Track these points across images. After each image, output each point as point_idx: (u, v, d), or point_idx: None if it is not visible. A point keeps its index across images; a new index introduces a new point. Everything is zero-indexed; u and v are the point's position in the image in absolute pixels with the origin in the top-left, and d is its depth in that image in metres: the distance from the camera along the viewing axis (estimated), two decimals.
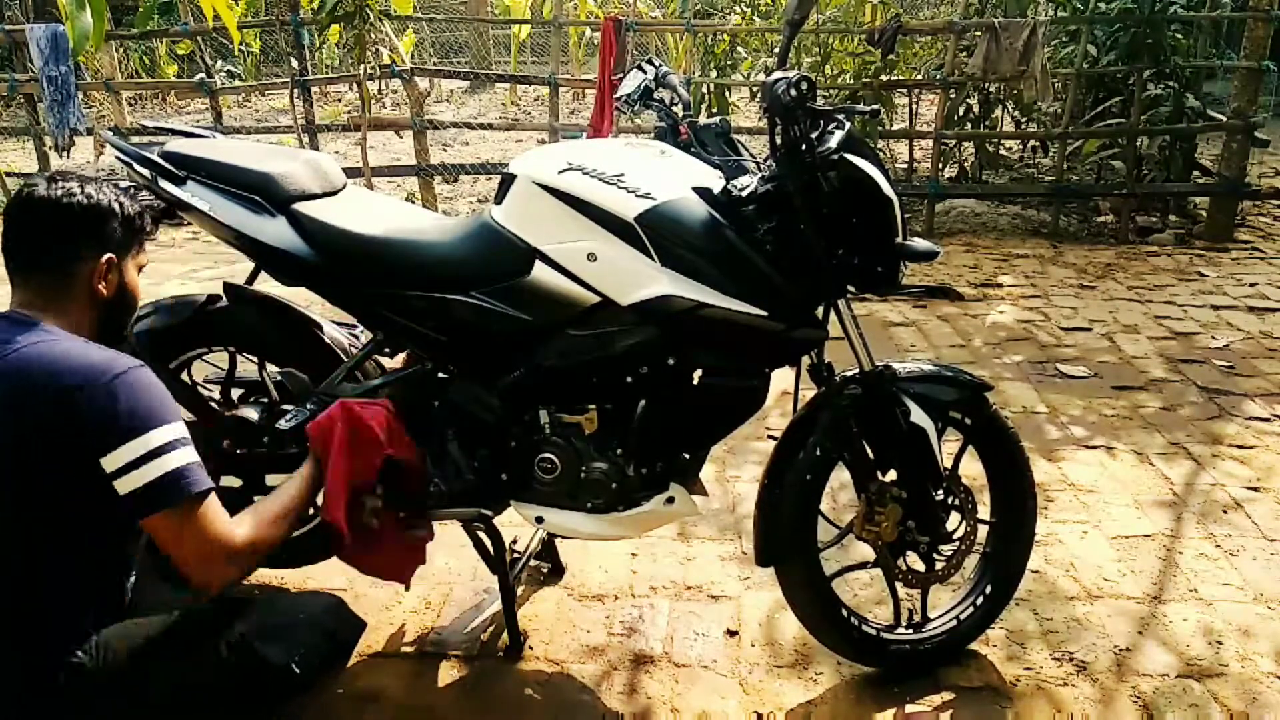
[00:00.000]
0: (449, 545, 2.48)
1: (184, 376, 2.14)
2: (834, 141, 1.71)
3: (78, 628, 1.42)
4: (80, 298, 1.49)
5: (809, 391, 1.93)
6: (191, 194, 1.90)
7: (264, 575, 2.37)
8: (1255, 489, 2.86)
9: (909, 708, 1.97)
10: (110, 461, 1.32)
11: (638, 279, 1.70)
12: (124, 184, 1.61)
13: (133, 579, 1.55)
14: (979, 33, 5.95)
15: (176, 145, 1.99)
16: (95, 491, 1.35)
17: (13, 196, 1.51)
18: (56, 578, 1.41)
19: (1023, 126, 7.26)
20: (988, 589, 2.09)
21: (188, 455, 1.39)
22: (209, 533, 1.41)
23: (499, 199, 1.83)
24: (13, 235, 1.48)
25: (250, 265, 2.00)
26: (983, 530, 2.08)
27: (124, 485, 1.33)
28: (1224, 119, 5.84)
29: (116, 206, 1.53)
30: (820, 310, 1.84)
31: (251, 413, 2.04)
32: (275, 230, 1.88)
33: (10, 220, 1.48)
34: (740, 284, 1.70)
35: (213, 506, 1.42)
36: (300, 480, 1.68)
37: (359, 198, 2.07)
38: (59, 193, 1.48)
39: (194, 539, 1.40)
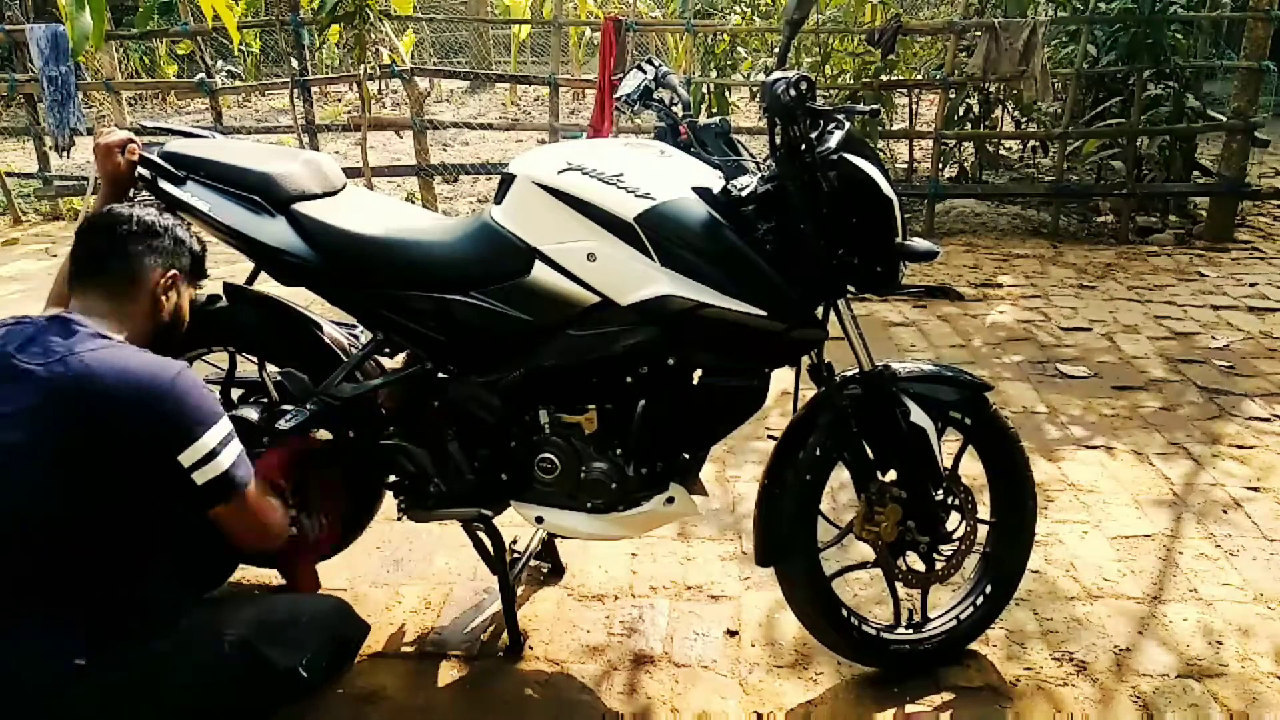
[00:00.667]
0: (449, 545, 2.49)
1: None
2: (834, 141, 1.71)
3: (86, 634, 1.43)
4: (143, 307, 1.59)
5: (809, 391, 1.93)
6: (191, 194, 1.90)
7: (264, 575, 2.37)
8: (1255, 489, 2.86)
9: (909, 708, 1.97)
10: (186, 457, 1.44)
11: (637, 279, 1.70)
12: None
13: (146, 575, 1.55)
14: (979, 33, 5.95)
15: (176, 145, 1.99)
16: (156, 488, 1.46)
17: (92, 214, 1.64)
18: (74, 579, 1.42)
19: (1023, 126, 7.26)
20: (988, 589, 2.09)
21: (238, 447, 1.52)
22: (261, 515, 1.58)
23: (499, 199, 1.83)
24: (90, 240, 1.59)
25: (250, 265, 2.00)
26: (983, 530, 2.08)
27: (200, 477, 1.46)
28: (1224, 119, 5.84)
29: (187, 238, 1.68)
30: (820, 310, 1.84)
31: (251, 413, 2.04)
32: (275, 231, 1.88)
33: (90, 228, 1.60)
34: (740, 284, 1.70)
35: (259, 490, 1.57)
36: None
37: (359, 198, 2.07)
38: (139, 210, 1.63)
39: (250, 521, 1.56)
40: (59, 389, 1.39)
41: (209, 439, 1.46)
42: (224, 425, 1.50)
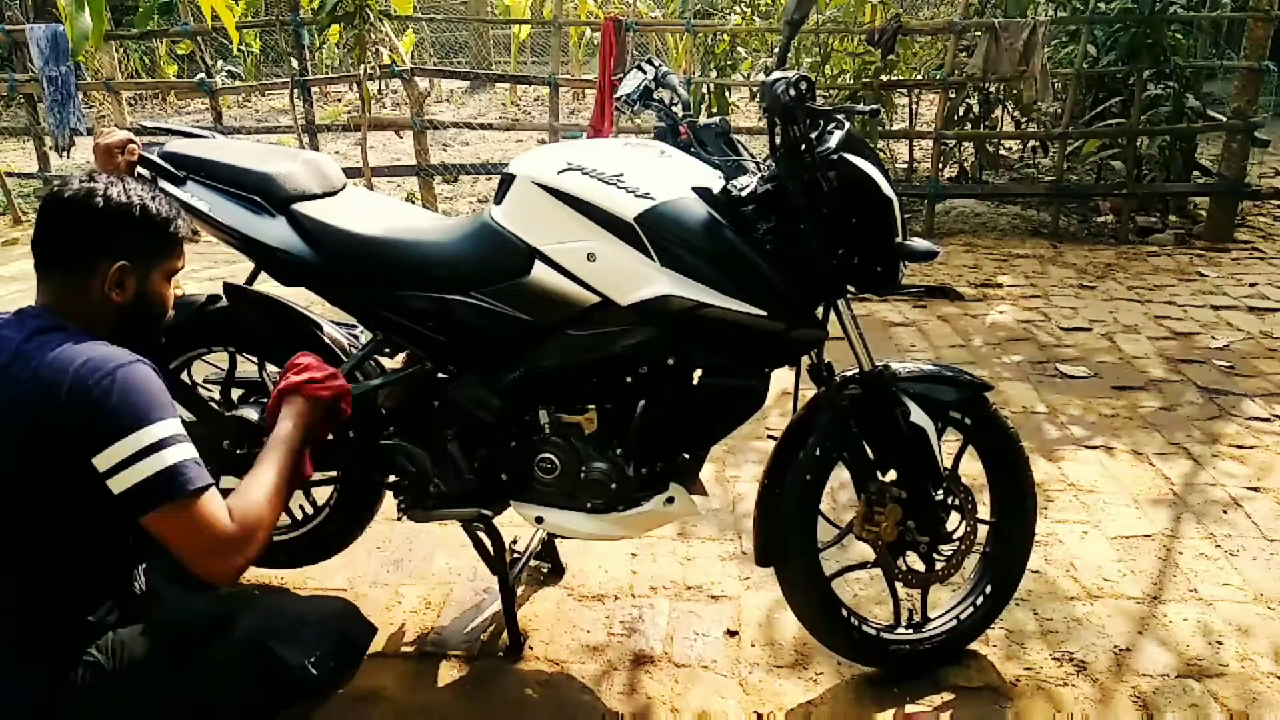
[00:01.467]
0: (449, 545, 2.49)
1: (184, 376, 2.15)
2: (834, 141, 1.71)
3: (91, 623, 1.42)
4: (95, 301, 1.46)
5: (809, 391, 1.93)
6: (191, 194, 1.90)
7: (264, 575, 2.37)
8: (1255, 489, 2.86)
9: (909, 708, 1.97)
10: (102, 461, 1.28)
11: (637, 279, 1.70)
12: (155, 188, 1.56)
13: (141, 572, 1.54)
14: (979, 33, 5.95)
15: (176, 145, 1.99)
16: (92, 488, 1.32)
17: (47, 194, 1.49)
18: (60, 571, 1.40)
19: (1023, 126, 7.26)
20: (988, 589, 2.08)
21: (184, 451, 1.34)
22: (212, 528, 1.34)
23: (499, 199, 1.83)
24: (39, 231, 1.47)
25: (250, 265, 2.00)
26: (983, 530, 2.08)
27: (117, 485, 1.29)
28: (1224, 119, 5.84)
29: (138, 210, 1.46)
30: (820, 310, 1.84)
31: (251, 413, 2.04)
32: (275, 231, 1.88)
33: (40, 216, 1.47)
34: (740, 284, 1.70)
35: (213, 501, 1.36)
36: (280, 453, 1.52)
37: (359, 198, 2.07)
38: (83, 193, 1.44)
39: (197, 535, 1.34)
40: (7, 387, 1.32)
41: (136, 440, 1.29)
42: (166, 426, 1.33)
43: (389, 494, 2.12)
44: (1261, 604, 2.30)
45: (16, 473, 1.33)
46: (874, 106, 1.92)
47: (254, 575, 2.37)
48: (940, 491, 1.95)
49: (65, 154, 6.25)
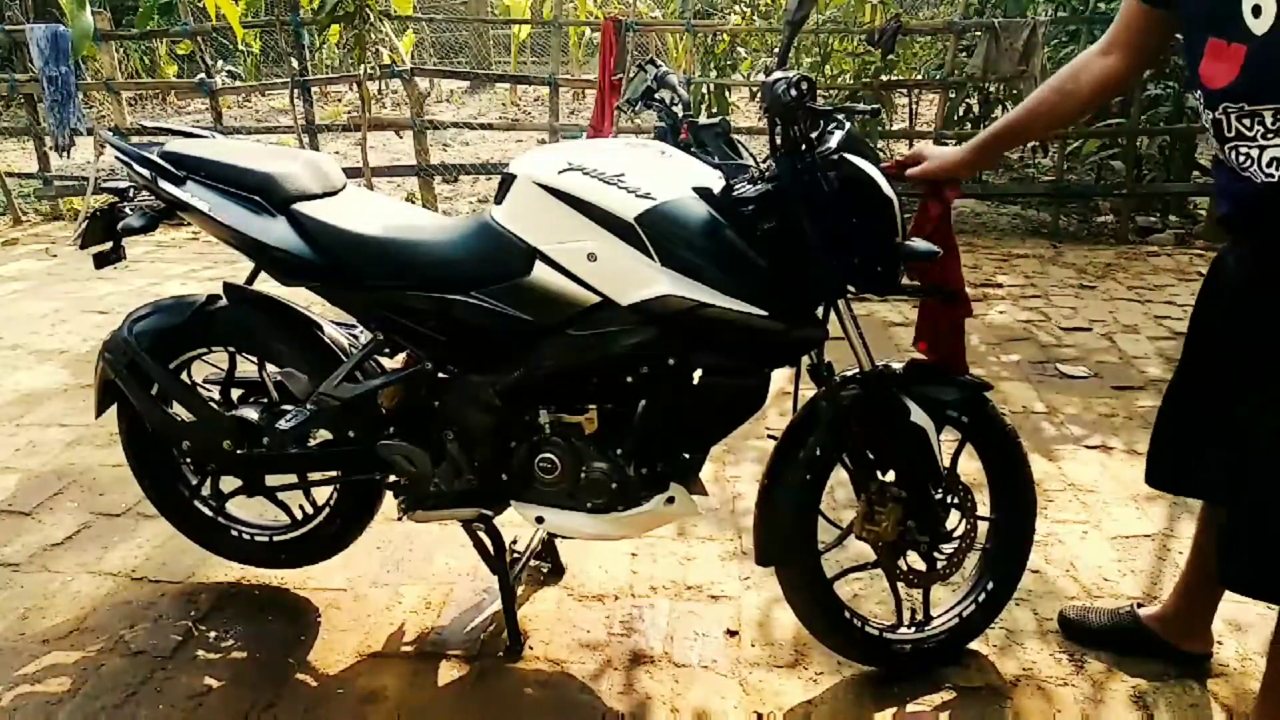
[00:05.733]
0: (449, 545, 2.49)
1: (184, 376, 2.15)
2: (834, 141, 1.71)
3: None
4: None
5: (809, 391, 1.94)
6: (191, 194, 1.90)
7: (264, 575, 2.37)
8: None
9: (909, 708, 1.97)
10: None
11: (638, 279, 1.70)
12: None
13: None
14: (979, 33, 5.95)
15: (176, 145, 1.99)
16: None
17: None
18: None
19: None
20: (989, 585, 2.08)
21: None
22: None
23: (499, 199, 1.83)
24: None
25: (250, 265, 2.01)
26: (982, 527, 2.07)
27: None
28: None
29: None
30: (820, 310, 1.84)
31: (251, 413, 2.04)
32: (275, 230, 1.88)
33: None
34: (740, 284, 1.70)
35: None
36: None
37: (359, 198, 2.07)
38: None
39: None
40: None
41: None
42: None
43: (389, 494, 2.12)
44: (1261, 604, 2.30)
45: None
46: (874, 106, 1.92)
47: (254, 575, 2.37)
48: (940, 490, 1.95)
49: (65, 154, 6.25)
